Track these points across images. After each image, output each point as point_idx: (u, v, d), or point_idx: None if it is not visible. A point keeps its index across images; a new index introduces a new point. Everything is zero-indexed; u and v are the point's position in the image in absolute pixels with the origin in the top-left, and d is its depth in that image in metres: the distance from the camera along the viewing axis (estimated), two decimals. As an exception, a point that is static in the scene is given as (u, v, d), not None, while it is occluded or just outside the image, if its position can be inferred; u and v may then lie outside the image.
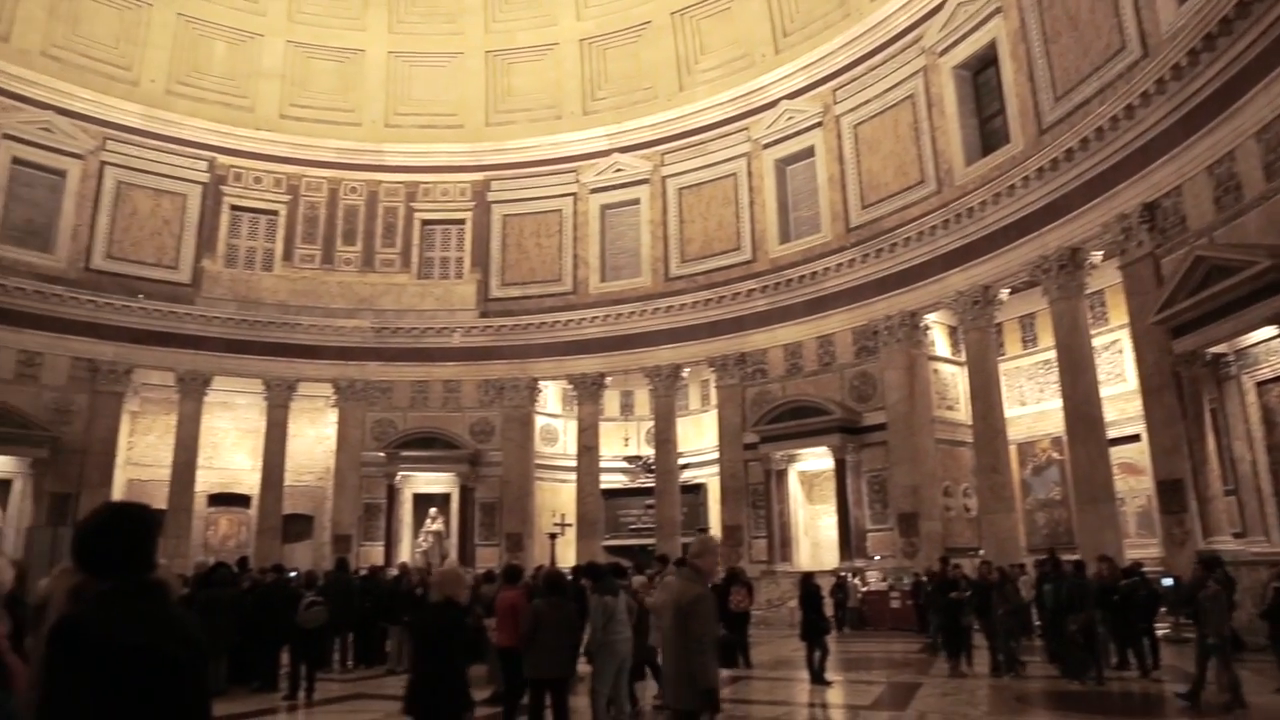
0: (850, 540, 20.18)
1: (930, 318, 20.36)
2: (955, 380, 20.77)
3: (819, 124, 22.56)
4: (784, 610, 20.19)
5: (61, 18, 23.27)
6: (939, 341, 20.88)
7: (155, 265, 24.13)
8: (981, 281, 18.41)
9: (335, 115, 26.12)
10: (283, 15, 25.69)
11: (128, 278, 23.55)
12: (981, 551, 17.44)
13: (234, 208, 25.39)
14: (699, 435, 25.78)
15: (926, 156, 20.17)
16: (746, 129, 23.88)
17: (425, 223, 26.29)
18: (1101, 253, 16.28)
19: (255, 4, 25.44)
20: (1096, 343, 17.58)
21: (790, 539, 21.83)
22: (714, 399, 24.38)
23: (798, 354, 22.19)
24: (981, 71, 19.66)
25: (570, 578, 10.56)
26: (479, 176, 26.22)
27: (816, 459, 21.73)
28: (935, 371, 20.57)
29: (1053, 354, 17.73)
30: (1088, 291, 17.04)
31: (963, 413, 20.17)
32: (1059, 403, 17.39)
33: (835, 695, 10.94)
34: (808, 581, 12.71)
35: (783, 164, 23.52)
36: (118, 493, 23.23)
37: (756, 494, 22.32)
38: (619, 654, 8.20)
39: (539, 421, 25.80)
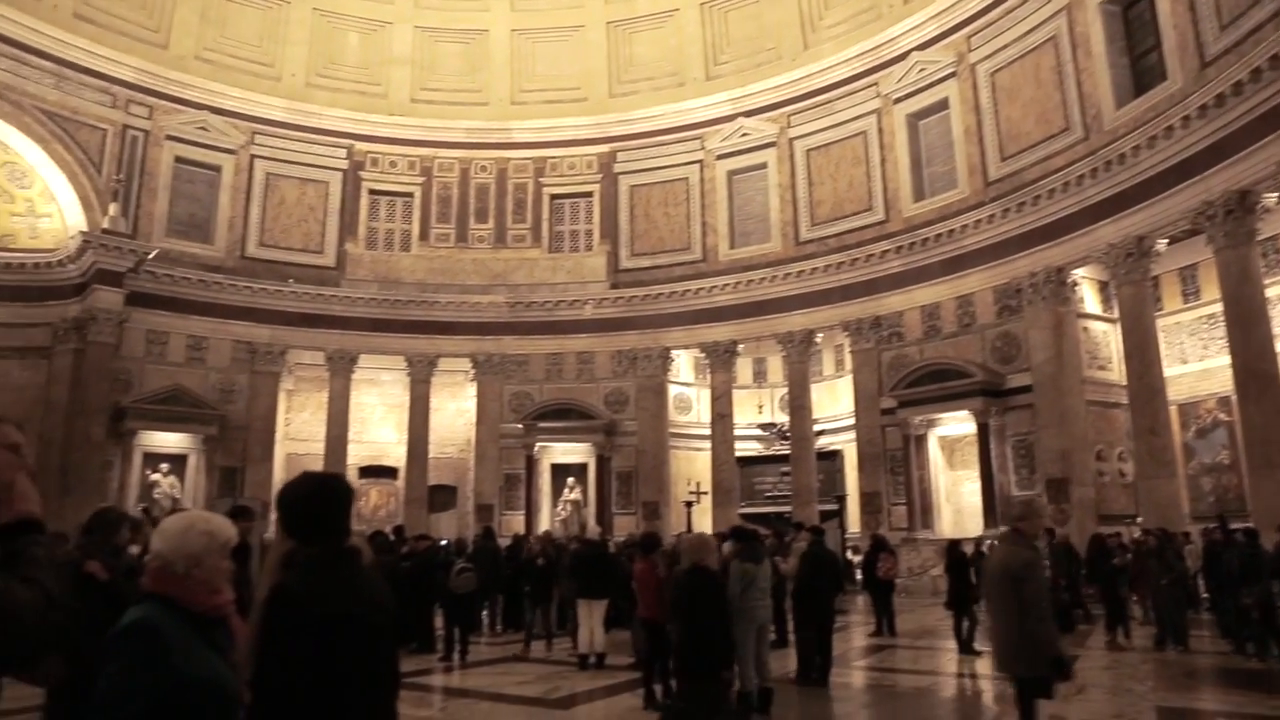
0: (995, 507, 19.45)
1: (1078, 273, 19.27)
2: (1107, 338, 19.64)
3: (953, 74, 21.58)
4: (925, 579, 19.76)
5: (212, 22, 24.60)
6: (1088, 298, 19.76)
7: (303, 250, 25.39)
8: (1135, 232, 17.27)
9: (463, 96, 26.71)
10: (410, 3, 26.38)
11: (279, 263, 24.88)
12: (1140, 519, 16.54)
13: (372, 191, 26.39)
14: (834, 401, 25.35)
15: (1071, 101, 19.01)
16: (875, 84, 23.09)
17: (554, 197, 26.66)
18: (1277, 195, 15.01)
19: (384, -8, 26.23)
20: (1270, 293, 16.25)
21: (931, 505, 21.25)
22: (849, 364, 23.90)
23: (935, 315, 21.45)
24: (1132, 5, 18.32)
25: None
26: (605, 148, 26.35)
27: (957, 423, 21.01)
28: (1085, 330, 19.49)
29: (1218, 307, 16.50)
30: (1259, 238, 15.75)
31: (1116, 373, 19.09)
32: (1227, 359, 16.18)
33: (986, 665, 10.62)
34: (955, 549, 12.35)
35: (914, 119, 22.65)
36: (278, 467, 24.76)
37: (895, 460, 21.80)
38: (756, 620, 8.21)
39: (672, 390, 25.92)
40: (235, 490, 23.06)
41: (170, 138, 24.06)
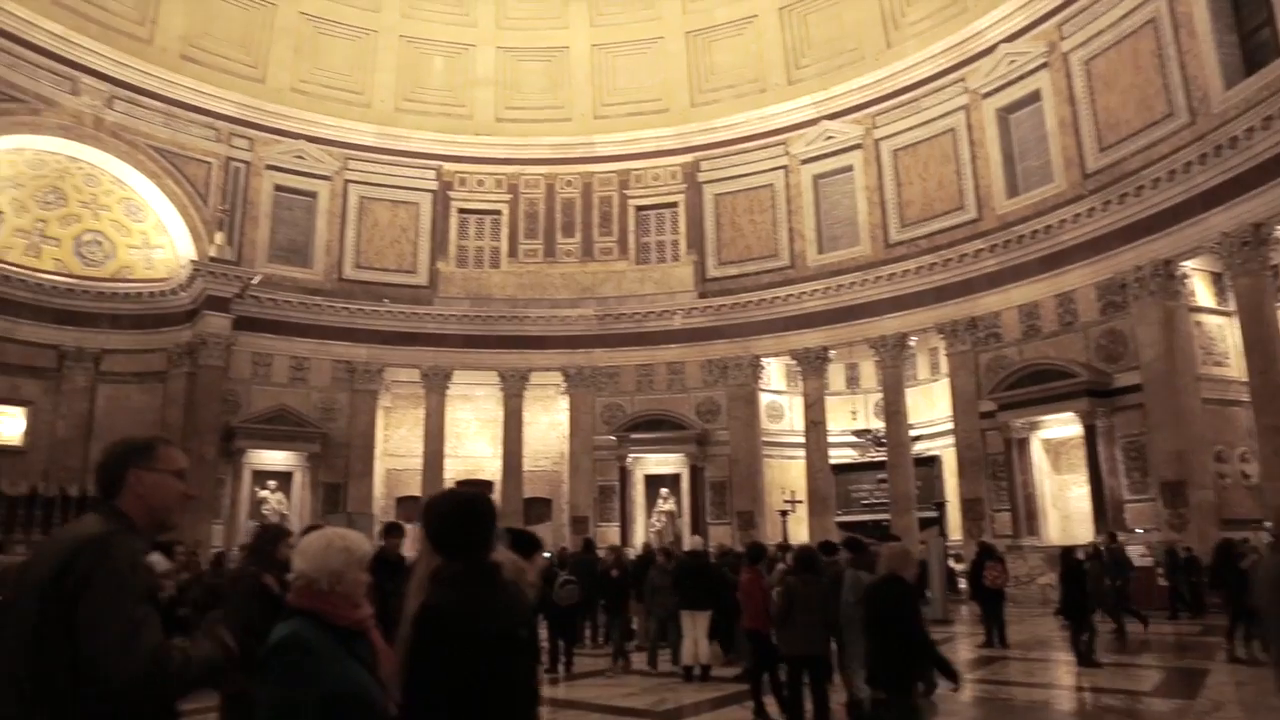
0: (1106, 512, 18.71)
1: (1188, 265, 18.42)
2: (1223, 333, 18.71)
3: (1044, 65, 20.93)
4: (1033, 587, 19.12)
5: (305, 55, 25.52)
6: (1200, 291, 18.86)
7: (397, 271, 26.07)
8: (1251, 219, 16.43)
9: (547, 113, 27.08)
10: (491, 24, 26.90)
11: (374, 284, 25.59)
12: (1269, 524, 15.66)
13: (461, 211, 26.94)
14: (930, 405, 24.79)
15: (1175, 85, 18.22)
16: (963, 80, 22.57)
17: (639, 209, 26.79)
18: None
19: (466, 16, 26.81)
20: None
21: (1036, 511, 20.55)
22: (944, 367, 23.35)
23: (1034, 315, 20.78)
24: (1239, -18, 17.50)
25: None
26: (688, 158, 26.37)
27: (1061, 425, 20.31)
28: (1198, 324, 18.61)
29: (1347, 295, 15.58)
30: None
31: (1235, 368, 18.16)
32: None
33: (1107, 679, 10.19)
34: (1069, 556, 11.89)
35: (1005, 113, 22.05)
36: (378, 482, 25.44)
37: (996, 464, 21.18)
38: (871, 629, 8.04)
39: (764, 399, 25.71)
40: (339, 505, 23.76)
41: (270, 167, 25.03)
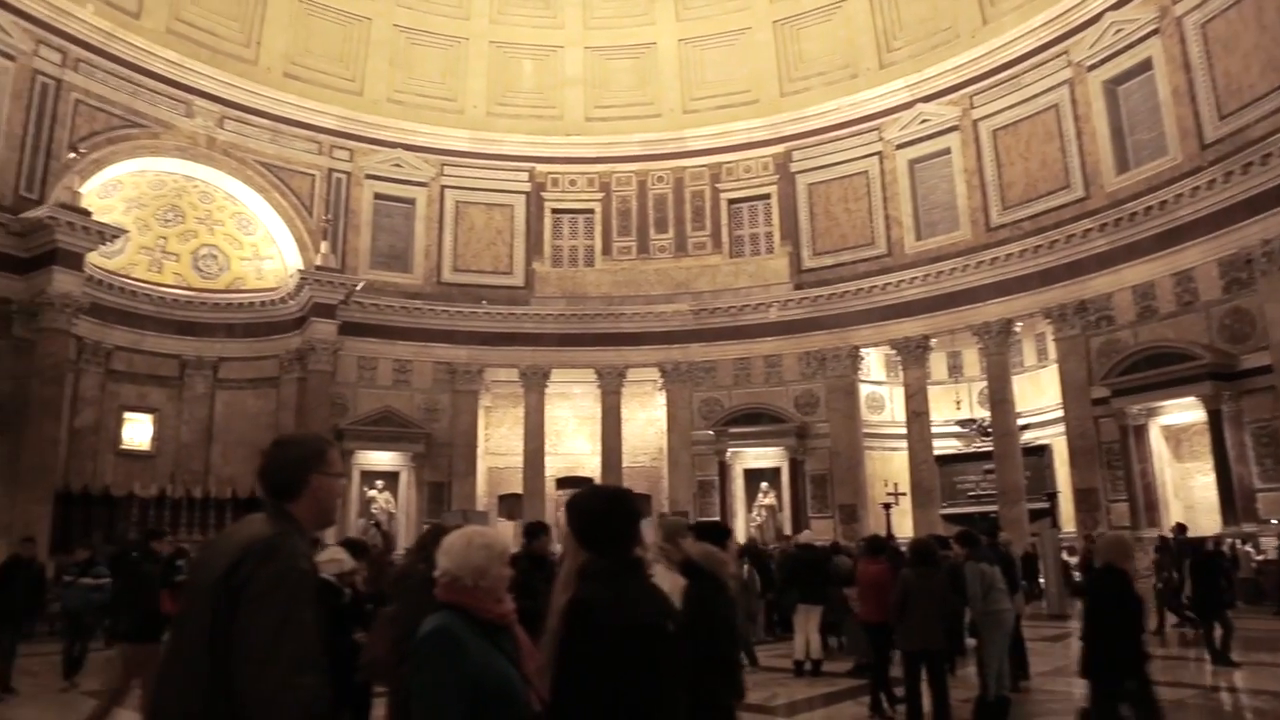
0: (1234, 501, 17.75)
1: (1323, 236, 17.31)
2: (1365, 307, 17.52)
3: (1155, 31, 19.93)
4: (1155, 581, 18.25)
5: (399, 66, 26.19)
6: (1336, 263, 17.70)
7: (493, 272, 26.53)
8: (1392, 186, 15.35)
9: (636, 110, 27.14)
10: (579, 25, 27.10)
11: (472, 286, 26.11)
12: None
13: (554, 211, 27.25)
14: (1038, 393, 23.97)
15: (1304, 45, 17.12)
16: (1065, 53, 21.68)
17: (731, 202, 26.62)
18: None
19: (554, 19, 27.07)
20: None
21: (1156, 501, 19.63)
22: (1052, 353, 22.52)
23: (1149, 295, 19.84)
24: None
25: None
26: (780, 149, 26.07)
27: (1183, 411, 19.36)
28: (1334, 299, 17.48)
29: None
30: None
31: (1376, 344, 17.00)
32: None
33: (1246, 678, 9.67)
34: (1200, 549, 11.33)
35: (1112, 85, 21.09)
36: (481, 480, 25.96)
37: (1111, 453, 20.30)
38: (1005, 624, 7.84)
39: (863, 390, 25.28)
40: (444, 504, 24.34)
41: (369, 176, 25.78)
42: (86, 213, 19.98)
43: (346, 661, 5.35)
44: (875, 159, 24.91)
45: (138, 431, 23.65)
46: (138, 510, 20.86)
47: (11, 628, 10.18)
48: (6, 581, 10.32)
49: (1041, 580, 17.93)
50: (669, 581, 5.61)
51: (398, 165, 26.09)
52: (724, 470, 25.09)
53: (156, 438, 23.78)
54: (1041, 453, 23.83)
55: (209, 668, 2.19)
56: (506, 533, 19.31)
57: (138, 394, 23.63)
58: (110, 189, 22.32)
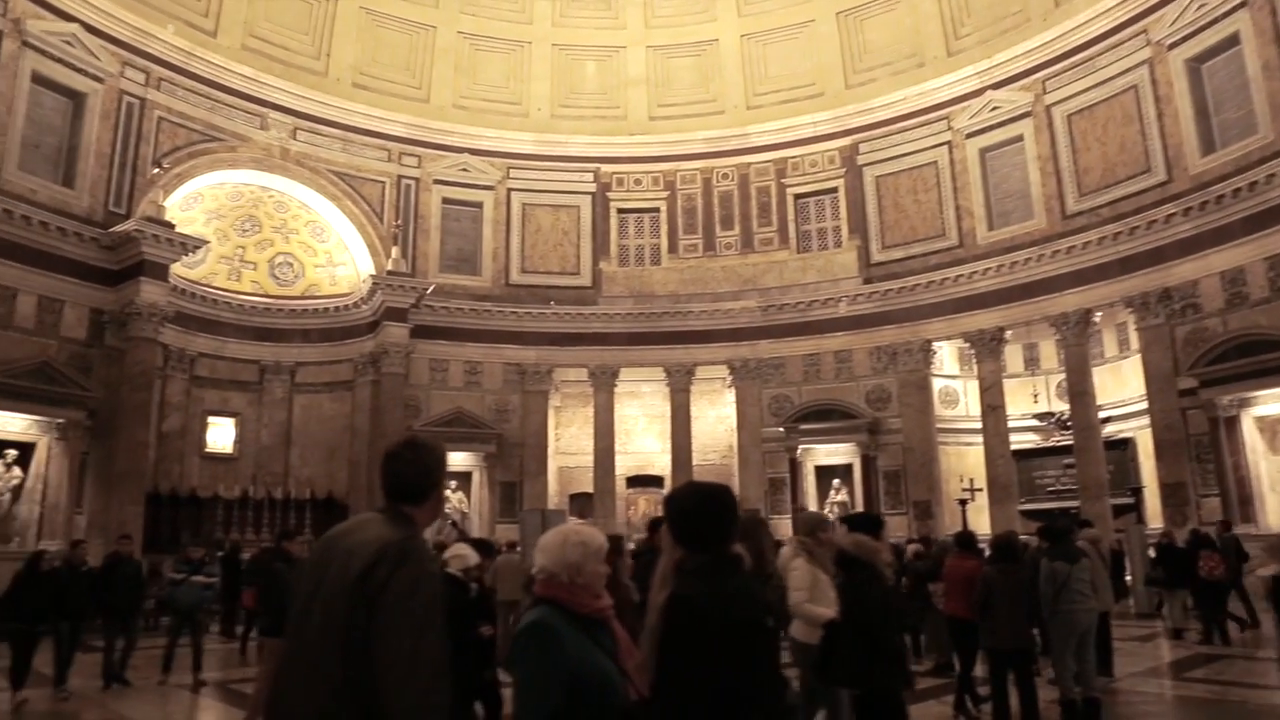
0: (1336, 493, 16.98)
1: None
2: None
3: (1243, 3, 19.08)
4: (1251, 579, 17.56)
5: (464, 71, 26.57)
6: None
7: (560, 273, 26.74)
8: None
9: (699, 107, 27.08)
10: (640, 25, 27.14)
11: (540, 288, 26.35)
12: None
13: (620, 210, 27.35)
14: (1120, 385, 23.26)
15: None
16: (1144, 32, 20.96)
17: (798, 197, 26.38)
18: None
19: (616, 19, 27.16)
20: None
21: (1251, 496, 18.81)
22: (1135, 343, 21.82)
23: (1239, 281, 19.05)
24: None
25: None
26: (846, 141, 25.76)
27: (1277, 401, 18.56)
28: None
29: None
30: None
31: None
32: None
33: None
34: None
35: (1195, 63, 20.30)
36: (552, 479, 26.19)
37: (1200, 446, 19.55)
38: (1075, 625, 7.60)
39: (936, 384, 24.83)
40: (516, 504, 24.61)
41: (437, 181, 26.20)
42: (170, 225, 20.70)
43: (474, 656, 5.46)
44: (944, 149, 24.44)
45: (221, 435, 24.43)
46: (222, 511, 21.62)
47: (117, 623, 10.60)
48: (109, 579, 10.75)
49: (1128, 578, 17.39)
50: (810, 576, 5.60)
51: (464, 170, 26.46)
52: (795, 467, 24.89)
53: (238, 441, 24.54)
54: (1124, 446, 23.11)
55: (340, 669, 2.24)
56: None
57: (220, 399, 24.42)
58: (191, 201, 23.09)
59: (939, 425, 24.31)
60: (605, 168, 27.23)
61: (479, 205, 26.70)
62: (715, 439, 26.90)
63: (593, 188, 27.21)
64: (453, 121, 26.30)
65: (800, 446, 24.80)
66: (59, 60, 20.02)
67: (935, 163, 24.57)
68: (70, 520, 19.03)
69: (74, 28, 20.15)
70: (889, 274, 24.64)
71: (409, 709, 2.21)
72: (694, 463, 25.59)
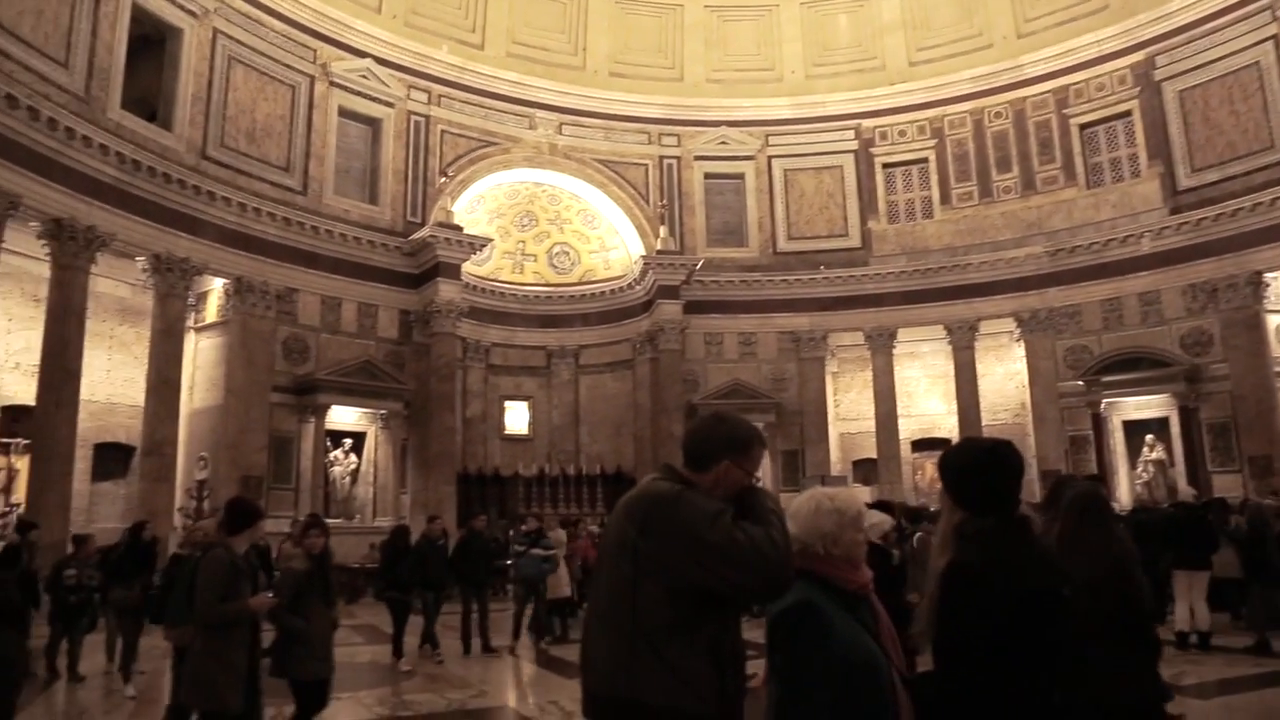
0: None
1: None
2: None
3: None
4: None
5: (714, 45, 26.59)
6: None
7: (828, 237, 26.12)
8: None
9: (964, 45, 25.19)
10: (892, -36, 25.76)
11: (808, 253, 25.90)
12: None
13: (885, 165, 26.19)
14: None
15: None
16: None
17: (1083, 127, 23.82)
18: None
19: (865, -36, 25.97)
20: None
21: None
22: None
23: None
24: None
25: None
26: (1138, 56, 22.85)
27: None
28: None
29: None
30: None
31: None
32: None
33: None
34: None
35: None
36: (834, 447, 25.74)
37: None
38: None
39: (1272, 321, 21.53)
40: (799, 472, 24.51)
41: (697, 158, 26.49)
42: (459, 228, 22.64)
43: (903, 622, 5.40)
44: (1269, 45, 20.95)
45: (516, 418, 26.43)
46: (522, 488, 23.41)
47: (471, 591, 11.53)
48: (464, 552, 11.80)
49: None
50: None
51: (723, 143, 26.52)
52: (1099, 423, 22.66)
53: (532, 422, 26.44)
54: None
55: (630, 616, 2.37)
56: (862, 496, 19.03)
57: (514, 384, 26.39)
58: (475, 204, 25.01)
59: (1278, 369, 21.08)
60: (866, 123, 26.17)
61: (740, 176, 26.68)
62: (1005, 397, 25.13)
63: (855, 145, 26.27)
64: (708, 96, 26.44)
65: (1104, 401, 22.51)
66: (357, 93, 22.54)
67: (1257, 63, 21.11)
68: (397, 499, 21.51)
69: (367, 62, 22.51)
70: (1202, 200, 21.62)
71: (761, 542, 2.30)
72: (983, 423, 24.07)
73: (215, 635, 4.94)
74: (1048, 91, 24.19)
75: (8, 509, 16.35)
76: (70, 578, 9.31)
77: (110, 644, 9.82)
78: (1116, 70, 23.23)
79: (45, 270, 16.62)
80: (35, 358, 16.40)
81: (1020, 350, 24.41)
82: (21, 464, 16.73)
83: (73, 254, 16.35)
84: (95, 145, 16.65)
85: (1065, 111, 24.00)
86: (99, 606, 9.63)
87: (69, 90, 16.55)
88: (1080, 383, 22.70)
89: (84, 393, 16.71)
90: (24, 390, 17.06)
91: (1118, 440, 22.72)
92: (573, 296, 26.72)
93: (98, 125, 16.85)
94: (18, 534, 9.98)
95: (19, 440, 17.07)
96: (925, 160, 25.80)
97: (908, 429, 25.47)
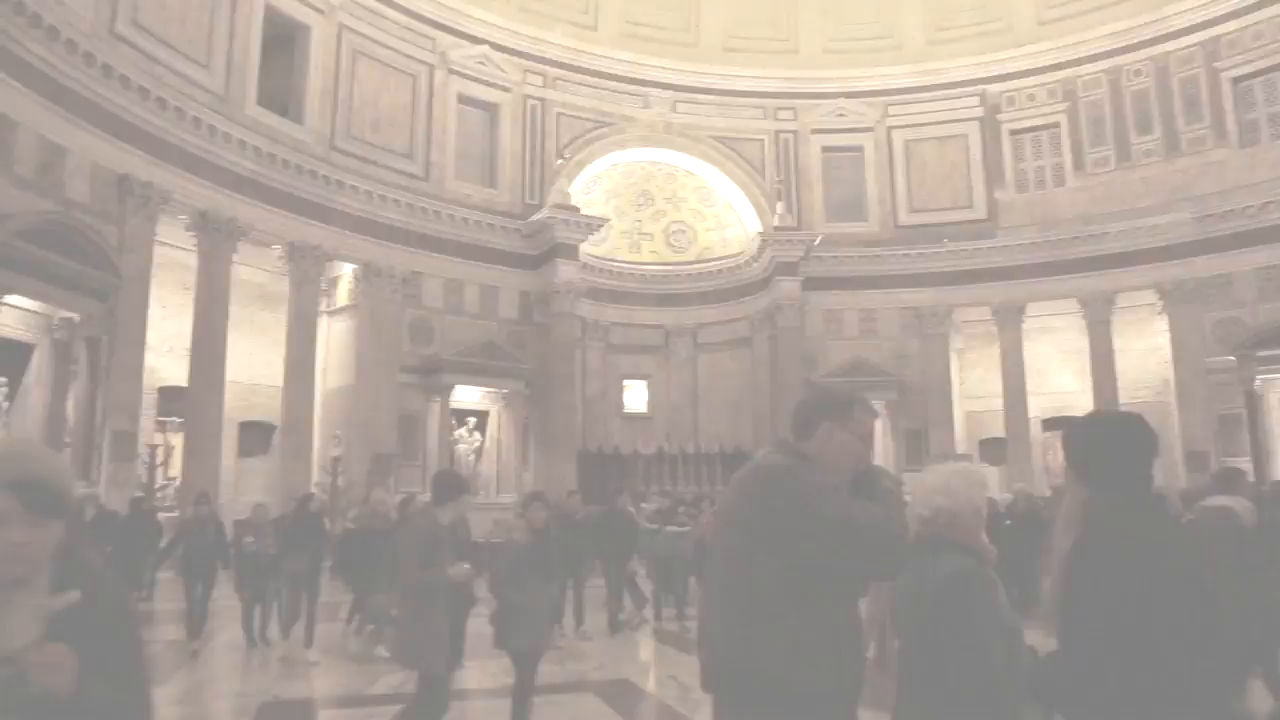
0: None
1: None
2: None
3: None
4: None
5: (830, 15, 26.03)
6: None
7: (951, 208, 25.21)
8: None
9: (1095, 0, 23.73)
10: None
11: (931, 226, 25.07)
12: None
13: (1013, 132, 25.07)
14: None
15: None
16: None
17: (1237, 80, 22.07)
18: None
19: (992, -80, 24.75)
20: None
21: None
22: None
23: None
24: None
25: None
26: (1301, 0, 21.06)
27: None
28: None
29: None
30: None
31: None
32: None
33: None
34: None
35: None
36: (959, 425, 24.91)
37: None
38: None
39: None
40: (922, 450, 23.82)
41: (814, 131, 25.98)
42: (576, 209, 22.90)
43: None
44: None
45: (635, 397, 26.64)
46: (641, 465, 23.57)
47: (612, 568, 11.62)
48: (606, 529, 11.83)
49: None
50: None
51: (841, 115, 25.90)
52: (1253, 402, 21.16)
53: (650, 401, 26.61)
54: None
55: (747, 589, 2.38)
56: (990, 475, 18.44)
57: (632, 363, 26.58)
58: (591, 185, 25.21)
59: None
60: (992, 88, 25.06)
61: (859, 149, 26.03)
62: (1145, 373, 23.71)
63: (979, 112, 25.22)
64: (824, 68, 25.84)
65: (1259, 377, 20.96)
66: (475, 79, 23.03)
67: None
68: (520, 476, 21.97)
69: (484, 49, 22.94)
70: (1373, 156, 19.85)
71: (875, 522, 2.31)
72: (1120, 401, 22.81)
73: (418, 600, 5.16)
74: (1195, 44, 22.57)
75: (165, 482, 17.53)
76: (250, 544, 9.79)
77: (286, 611, 10.03)
78: (1276, 16, 21.42)
79: (193, 260, 17.76)
80: (187, 342, 17.60)
81: (1163, 323, 23.00)
82: (176, 441, 17.90)
83: (216, 244, 17.43)
84: (234, 141, 17.67)
85: (1215, 65, 22.34)
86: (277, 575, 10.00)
87: (210, 90, 17.57)
88: (1232, 358, 21.19)
89: (229, 374, 17.83)
90: (177, 373, 18.24)
91: (1275, 420, 21.17)
92: (690, 275, 26.65)
93: (236, 122, 17.85)
94: (203, 505, 10.54)
95: (174, 419, 18.26)
96: (1056, 125, 24.53)
97: (1038, 407, 24.40)
